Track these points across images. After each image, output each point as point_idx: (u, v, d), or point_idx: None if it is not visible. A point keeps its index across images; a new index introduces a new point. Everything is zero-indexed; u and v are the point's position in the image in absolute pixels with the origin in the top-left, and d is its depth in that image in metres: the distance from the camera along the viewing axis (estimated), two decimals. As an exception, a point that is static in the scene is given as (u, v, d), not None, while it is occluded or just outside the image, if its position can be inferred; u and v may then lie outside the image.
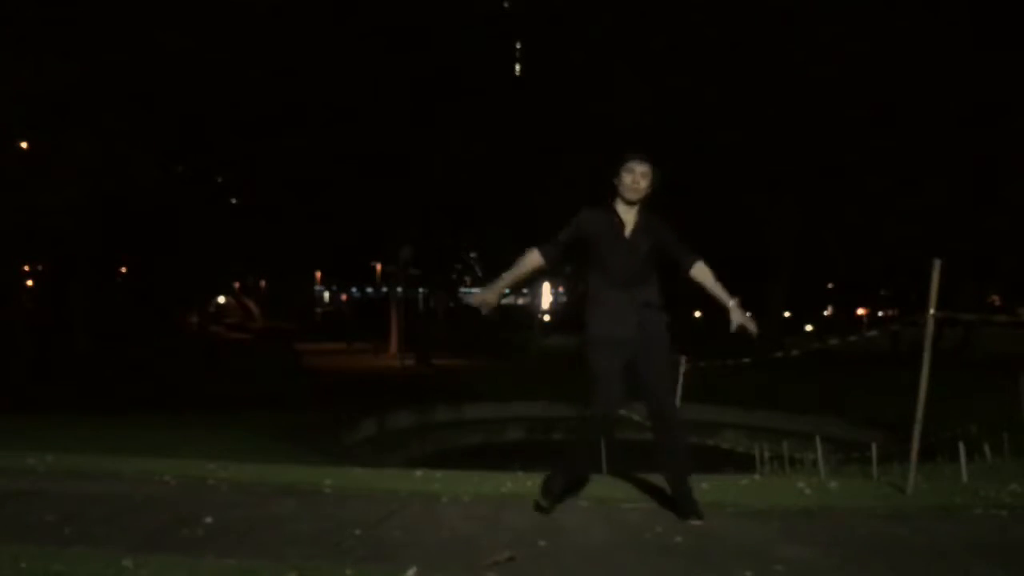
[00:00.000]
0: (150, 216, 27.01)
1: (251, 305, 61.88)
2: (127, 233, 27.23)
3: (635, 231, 3.92)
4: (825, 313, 47.03)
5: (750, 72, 26.67)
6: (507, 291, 4.04)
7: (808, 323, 41.64)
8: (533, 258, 3.97)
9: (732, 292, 3.89)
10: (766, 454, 8.86)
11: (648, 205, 3.98)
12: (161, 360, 27.95)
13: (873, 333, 20.55)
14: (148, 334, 34.71)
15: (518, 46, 34.53)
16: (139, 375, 23.79)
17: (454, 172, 27.87)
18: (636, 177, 3.89)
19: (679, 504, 3.93)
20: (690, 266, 3.90)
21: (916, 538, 3.63)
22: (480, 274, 47.92)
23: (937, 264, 4.50)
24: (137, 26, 19.71)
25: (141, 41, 19.75)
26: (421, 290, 40.02)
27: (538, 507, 4.05)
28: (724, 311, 3.82)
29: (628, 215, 3.94)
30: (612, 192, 3.98)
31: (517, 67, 35.15)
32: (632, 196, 3.91)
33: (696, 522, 3.84)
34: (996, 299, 39.34)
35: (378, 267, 44.11)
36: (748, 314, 3.82)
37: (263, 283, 63.94)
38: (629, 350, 3.85)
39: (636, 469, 5.66)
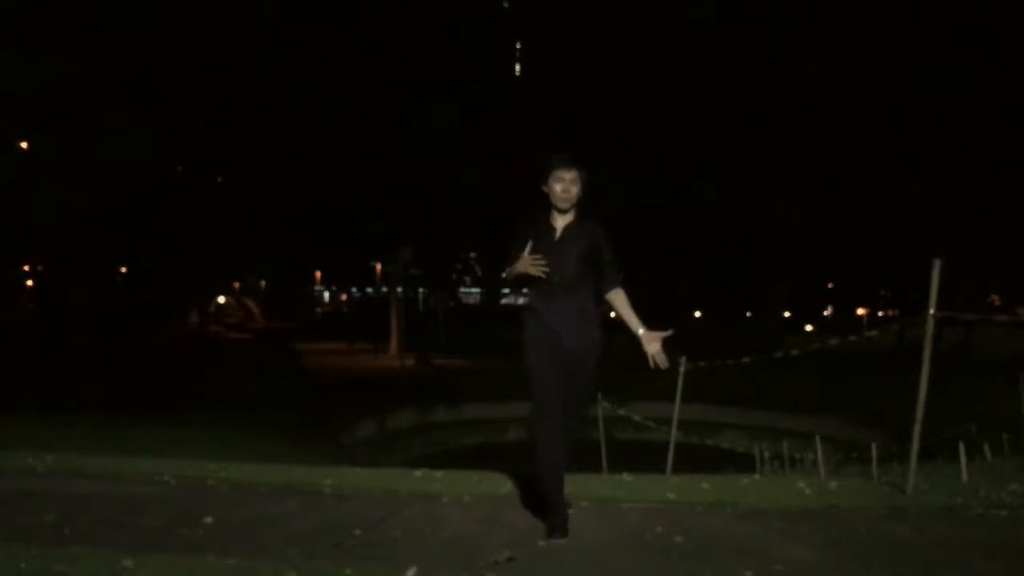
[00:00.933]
0: (150, 216, 27.00)
1: (251, 305, 61.91)
2: (127, 233, 27.22)
3: (565, 235, 3.81)
4: (825, 313, 47.02)
5: (751, 72, 26.70)
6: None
7: (808, 323, 41.65)
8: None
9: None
10: (766, 454, 8.85)
11: (584, 209, 3.87)
12: (161, 360, 27.94)
13: (873, 333, 20.52)
14: (148, 334, 34.69)
15: (518, 46, 34.58)
16: (138, 375, 23.79)
17: (454, 173, 27.90)
18: (566, 185, 3.78)
19: (550, 517, 3.68)
20: (608, 289, 3.85)
21: (916, 538, 3.63)
22: (480, 274, 47.97)
23: (937, 264, 4.49)
24: (137, 25, 19.71)
25: (141, 40, 19.75)
26: (421, 290, 40.01)
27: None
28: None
29: (561, 220, 3.85)
30: (545, 200, 3.86)
31: (517, 67, 35.20)
32: (564, 205, 3.81)
33: (560, 540, 3.56)
34: (996, 299, 39.34)
35: (378, 267, 44.11)
36: (659, 344, 3.70)
37: (263, 283, 63.99)
38: (564, 355, 3.73)
39: (636, 469, 5.66)
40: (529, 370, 3.77)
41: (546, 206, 3.89)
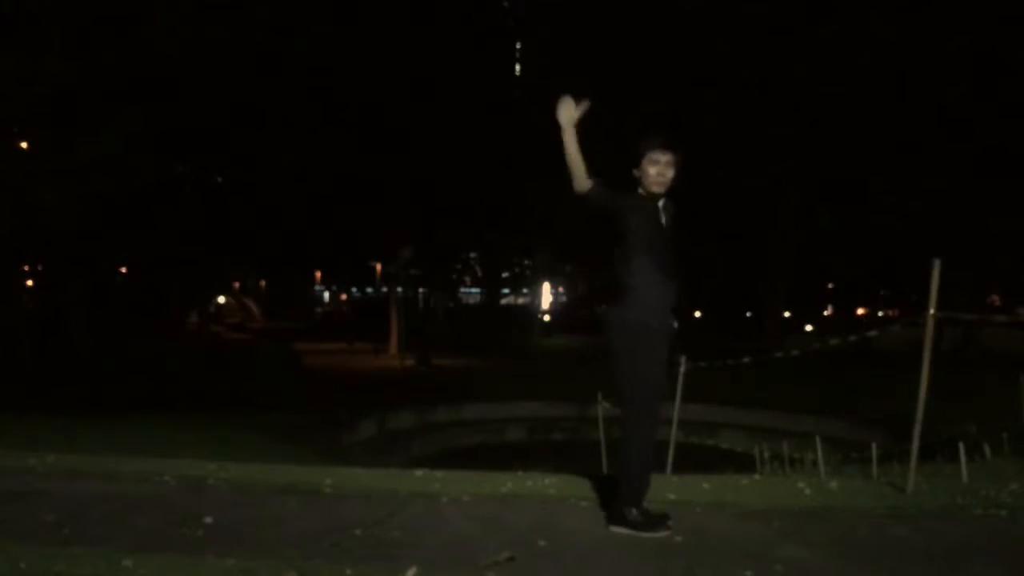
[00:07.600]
0: (150, 216, 27.00)
1: (251, 305, 61.92)
2: (127, 233, 27.22)
3: (670, 223, 3.70)
4: (825, 313, 47.04)
5: (750, 72, 26.71)
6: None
7: (808, 323, 41.64)
8: (583, 172, 3.59)
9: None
10: (766, 454, 8.84)
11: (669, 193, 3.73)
12: (160, 360, 27.94)
13: (873, 333, 20.51)
14: (148, 334, 34.69)
15: (518, 46, 34.60)
16: (139, 375, 23.77)
17: (454, 171, 27.90)
18: (661, 168, 3.64)
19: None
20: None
21: (916, 538, 3.63)
22: (480, 274, 47.98)
23: (937, 264, 4.50)
24: (137, 25, 19.71)
25: (141, 40, 19.76)
26: (421, 290, 40.00)
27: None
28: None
29: (660, 206, 3.70)
30: (635, 184, 3.70)
31: (517, 67, 35.22)
32: (659, 189, 3.65)
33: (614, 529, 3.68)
34: (996, 299, 39.37)
35: (378, 267, 44.10)
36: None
37: (263, 283, 63.99)
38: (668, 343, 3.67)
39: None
40: (645, 359, 3.54)
41: (633, 188, 3.71)
